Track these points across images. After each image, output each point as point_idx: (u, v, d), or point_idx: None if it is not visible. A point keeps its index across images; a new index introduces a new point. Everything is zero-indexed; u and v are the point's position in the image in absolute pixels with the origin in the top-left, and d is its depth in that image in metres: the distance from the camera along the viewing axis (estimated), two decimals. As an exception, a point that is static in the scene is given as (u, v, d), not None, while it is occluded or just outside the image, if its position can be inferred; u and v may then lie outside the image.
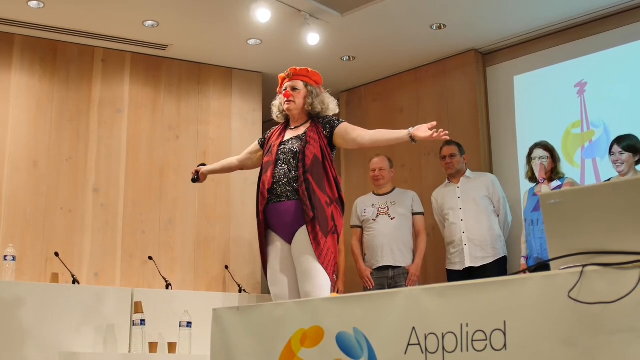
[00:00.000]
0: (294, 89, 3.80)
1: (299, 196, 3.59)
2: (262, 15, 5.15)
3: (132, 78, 5.93)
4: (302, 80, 3.82)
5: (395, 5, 5.24)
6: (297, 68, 3.85)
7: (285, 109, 3.84)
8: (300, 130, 3.77)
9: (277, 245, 3.70)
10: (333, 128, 3.71)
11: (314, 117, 3.81)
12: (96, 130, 5.71)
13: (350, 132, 3.70)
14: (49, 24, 5.45)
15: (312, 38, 5.44)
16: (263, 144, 3.94)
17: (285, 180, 3.64)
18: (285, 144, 3.74)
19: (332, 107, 3.85)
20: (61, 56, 5.70)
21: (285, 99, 3.81)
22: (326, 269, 3.53)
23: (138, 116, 5.90)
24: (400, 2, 5.21)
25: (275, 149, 3.73)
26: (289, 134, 3.80)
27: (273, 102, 3.99)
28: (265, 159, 3.79)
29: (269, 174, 3.69)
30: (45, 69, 5.62)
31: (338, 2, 5.30)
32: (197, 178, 4.22)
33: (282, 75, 3.90)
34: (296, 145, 3.69)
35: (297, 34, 5.46)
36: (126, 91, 5.89)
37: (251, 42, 5.83)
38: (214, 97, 6.26)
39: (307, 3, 5.22)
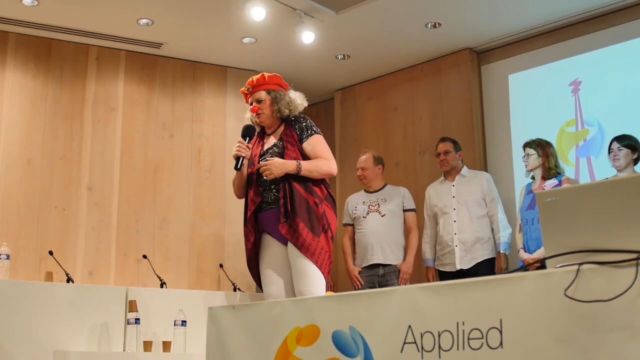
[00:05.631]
0: (258, 101, 3.82)
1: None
2: (257, 13, 5.15)
3: (127, 76, 5.91)
4: (263, 90, 3.83)
5: (390, 4, 5.24)
6: (254, 79, 3.85)
7: (257, 122, 3.87)
8: (277, 136, 3.82)
9: (272, 246, 3.74)
10: (302, 140, 3.74)
11: (286, 120, 3.84)
12: (90, 128, 5.69)
13: (311, 155, 3.73)
14: (43, 22, 5.43)
15: (307, 36, 5.44)
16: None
17: (273, 187, 3.69)
18: (264, 155, 3.79)
19: (299, 102, 3.85)
20: (55, 54, 5.68)
21: (254, 113, 3.83)
22: (320, 268, 3.55)
23: (132, 115, 5.88)
24: (395, 1, 5.21)
25: (256, 159, 3.77)
26: (267, 143, 3.84)
27: (245, 116, 4.01)
28: (249, 170, 3.82)
29: (254, 185, 3.74)
30: (40, 67, 5.59)
31: (333, 1, 5.29)
32: (240, 164, 3.78)
33: (242, 90, 3.92)
34: (275, 153, 3.74)
35: (292, 33, 5.46)
36: (120, 89, 5.87)
37: (246, 40, 5.82)
38: (208, 95, 6.24)
39: (302, 1, 5.21)
